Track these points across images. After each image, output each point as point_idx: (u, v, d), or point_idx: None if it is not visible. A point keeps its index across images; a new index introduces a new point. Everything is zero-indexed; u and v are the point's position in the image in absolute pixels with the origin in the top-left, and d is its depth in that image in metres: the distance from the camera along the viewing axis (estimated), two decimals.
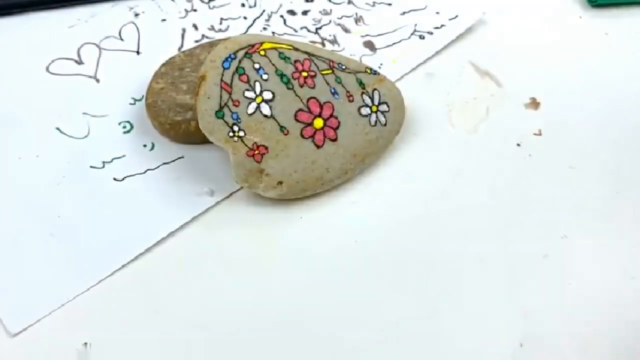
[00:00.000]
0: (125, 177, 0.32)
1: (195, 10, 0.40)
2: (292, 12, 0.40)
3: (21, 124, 0.34)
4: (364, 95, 0.32)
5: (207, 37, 0.38)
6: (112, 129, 0.34)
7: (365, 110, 0.32)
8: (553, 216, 0.31)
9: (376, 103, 0.32)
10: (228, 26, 0.39)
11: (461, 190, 0.32)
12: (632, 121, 0.35)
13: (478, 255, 0.30)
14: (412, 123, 0.35)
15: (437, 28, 0.39)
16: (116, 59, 0.37)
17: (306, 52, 0.31)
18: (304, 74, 0.31)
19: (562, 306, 0.28)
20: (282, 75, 0.30)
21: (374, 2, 0.41)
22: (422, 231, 0.30)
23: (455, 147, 0.34)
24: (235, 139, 0.29)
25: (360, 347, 0.27)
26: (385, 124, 0.32)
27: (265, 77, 0.30)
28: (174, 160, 0.33)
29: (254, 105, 0.30)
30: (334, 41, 0.39)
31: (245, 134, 0.30)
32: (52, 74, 0.36)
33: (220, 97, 0.29)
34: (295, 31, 0.39)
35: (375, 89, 0.33)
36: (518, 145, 0.34)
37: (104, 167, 0.32)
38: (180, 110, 0.33)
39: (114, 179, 0.32)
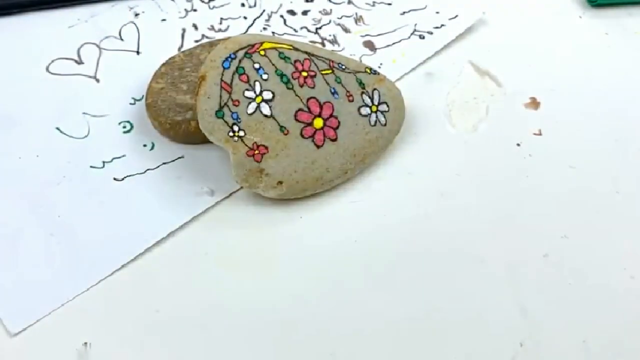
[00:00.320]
0: (125, 177, 0.32)
1: (195, 10, 0.40)
2: (292, 12, 0.40)
3: (21, 124, 0.34)
4: (364, 95, 0.32)
5: (207, 37, 0.38)
6: (112, 128, 0.34)
7: (365, 110, 0.32)
8: (553, 216, 0.31)
9: (376, 103, 0.32)
10: (228, 26, 0.39)
11: (461, 190, 0.32)
12: (632, 121, 0.35)
13: (478, 255, 0.30)
14: (412, 123, 0.35)
15: (437, 28, 0.39)
16: (116, 59, 0.37)
17: (306, 52, 0.31)
18: (304, 73, 0.31)
19: (562, 306, 0.28)
20: (282, 75, 0.30)
21: (374, 2, 0.41)
22: (422, 231, 0.30)
23: (455, 147, 0.34)
24: (235, 138, 0.29)
25: (360, 347, 0.27)
26: (385, 124, 0.32)
27: (265, 77, 0.30)
28: (174, 160, 0.33)
29: (254, 105, 0.30)
30: (334, 41, 0.39)
31: (245, 134, 0.30)
32: (52, 74, 0.36)
33: (220, 97, 0.29)
34: (295, 31, 0.39)
35: (375, 89, 0.33)
36: (518, 145, 0.34)
37: (104, 167, 0.32)
38: (180, 110, 0.33)
39: (114, 178, 0.32)
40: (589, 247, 0.30)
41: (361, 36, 0.39)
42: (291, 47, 0.31)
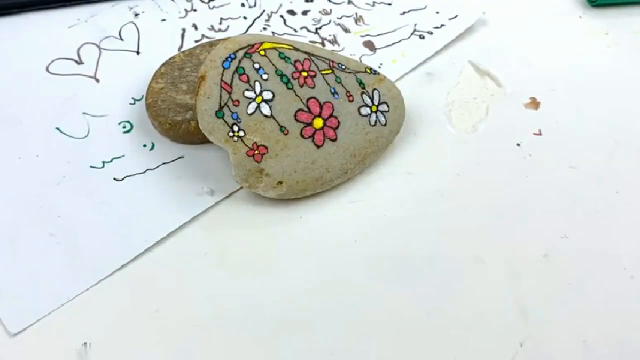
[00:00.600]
0: (125, 177, 0.32)
1: (195, 10, 0.40)
2: (292, 12, 0.40)
3: (21, 124, 0.34)
4: (364, 95, 0.32)
5: (207, 37, 0.38)
6: (112, 129, 0.34)
7: (365, 110, 0.32)
8: (553, 216, 0.31)
9: (376, 103, 0.32)
10: (228, 26, 0.39)
11: (461, 190, 0.32)
12: (632, 121, 0.35)
13: (478, 255, 0.30)
14: (412, 123, 0.35)
15: (437, 28, 0.39)
16: (116, 59, 0.37)
17: (306, 52, 0.31)
18: (304, 73, 0.31)
19: (562, 306, 0.28)
20: (282, 75, 0.30)
21: (374, 2, 0.41)
22: (422, 231, 0.30)
23: (455, 147, 0.34)
24: (235, 138, 0.29)
25: (360, 347, 0.27)
26: (385, 124, 0.32)
27: (265, 77, 0.30)
28: (174, 160, 0.33)
29: (253, 105, 0.30)
30: (334, 41, 0.39)
31: (245, 134, 0.30)
32: (52, 74, 0.36)
33: (220, 97, 0.29)
34: (295, 31, 0.39)
35: (375, 89, 0.33)
36: (518, 145, 0.34)
37: (104, 167, 0.32)
38: (180, 110, 0.33)
39: (114, 179, 0.32)
40: (589, 247, 0.30)
41: (361, 36, 0.39)
42: (291, 47, 0.31)
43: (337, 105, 0.31)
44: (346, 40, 0.39)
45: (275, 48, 0.31)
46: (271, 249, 0.30)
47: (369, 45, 0.39)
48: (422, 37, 0.39)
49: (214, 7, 0.40)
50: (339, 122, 0.31)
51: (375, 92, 0.33)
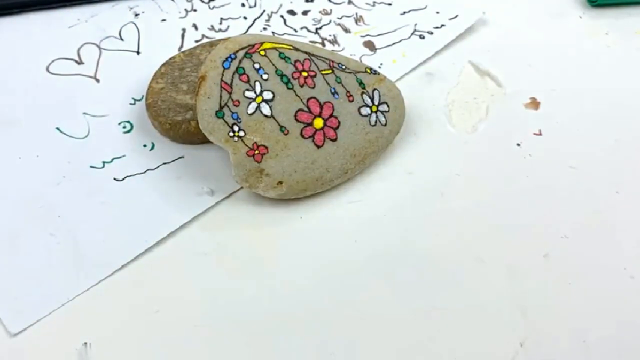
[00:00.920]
0: (125, 177, 0.32)
1: (195, 10, 0.40)
2: (292, 12, 0.40)
3: (21, 124, 0.34)
4: (364, 95, 0.32)
5: (207, 37, 0.39)
6: (112, 129, 0.34)
7: (365, 110, 0.32)
8: (553, 216, 0.31)
9: (376, 103, 0.32)
10: (228, 26, 0.39)
11: (461, 190, 0.32)
12: (632, 121, 0.35)
13: (478, 255, 0.30)
14: (412, 123, 0.35)
15: (437, 28, 0.39)
16: (116, 59, 0.37)
17: (306, 52, 0.31)
18: (304, 73, 0.31)
19: (562, 306, 0.28)
20: (282, 75, 0.30)
21: (374, 2, 0.41)
22: (422, 231, 0.30)
23: (455, 147, 0.34)
24: (235, 138, 0.29)
25: (360, 347, 0.27)
26: (385, 124, 0.32)
27: (265, 77, 0.30)
28: (174, 160, 0.33)
29: (254, 105, 0.30)
30: (334, 41, 0.39)
31: (245, 134, 0.30)
32: (52, 74, 0.36)
33: (220, 97, 0.29)
34: (295, 31, 0.39)
35: (375, 89, 0.33)
36: (518, 145, 0.34)
37: (104, 167, 0.32)
38: (180, 110, 0.33)
39: (114, 179, 0.32)
40: (589, 247, 0.30)
41: (361, 36, 0.39)
42: (291, 47, 0.31)
43: (337, 106, 0.31)
44: (346, 40, 0.39)
45: (275, 48, 0.31)
46: (271, 249, 0.30)
47: (369, 45, 0.39)
48: (422, 37, 0.39)
49: (214, 7, 0.40)
50: (339, 122, 0.31)
51: (376, 92, 0.33)
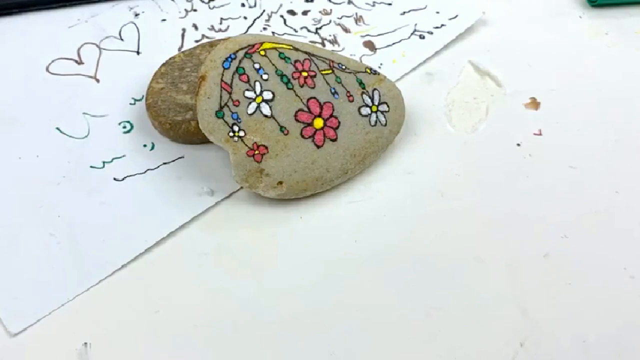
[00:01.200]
0: (125, 177, 0.32)
1: (195, 10, 0.40)
2: (292, 12, 0.40)
3: (21, 124, 0.34)
4: (364, 95, 0.32)
5: (207, 37, 0.39)
6: (112, 129, 0.34)
7: (365, 110, 0.32)
8: (553, 216, 0.31)
9: (376, 103, 0.32)
10: (228, 26, 0.39)
11: (461, 190, 0.32)
12: (632, 121, 0.35)
13: (478, 255, 0.30)
14: (412, 123, 0.35)
15: (437, 28, 0.39)
16: (116, 59, 0.37)
17: (306, 52, 0.31)
18: (304, 74, 0.31)
19: (562, 306, 0.28)
20: (282, 75, 0.30)
21: (374, 2, 0.41)
22: (422, 231, 0.30)
23: (455, 147, 0.34)
24: (235, 139, 0.29)
25: (360, 347, 0.27)
26: (385, 124, 0.32)
27: (265, 77, 0.30)
28: (174, 160, 0.33)
29: (254, 105, 0.30)
30: (334, 41, 0.39)
31: (245, 134, 0.30)
32: (52, 74, 0.36)
33: (220, 97, 0.29)
34: (295, 31, 0.39)
35: (375, 89, 0.33)
36: (518, 145, 0.34)
37: (104, 167, 0.32)
38: (180, 110, 0.33)
39: (114, 179, 0.32)
40: (589, 247, 0.30)
41: (361, 36, 0.39)
42: (291, 47, 0.31)
43: (337, 106, 0.31)
44: (346, 40, 0.39)
45: (275, 48, 0.31)
46: (271, 249, 0.30)
47: (369, 45, 0.39)
48: (422, 37, 0.39)
49: (214, 7, 0.40)
50: (339, 122, 0.31)
51: (376, 92, 0.33)
